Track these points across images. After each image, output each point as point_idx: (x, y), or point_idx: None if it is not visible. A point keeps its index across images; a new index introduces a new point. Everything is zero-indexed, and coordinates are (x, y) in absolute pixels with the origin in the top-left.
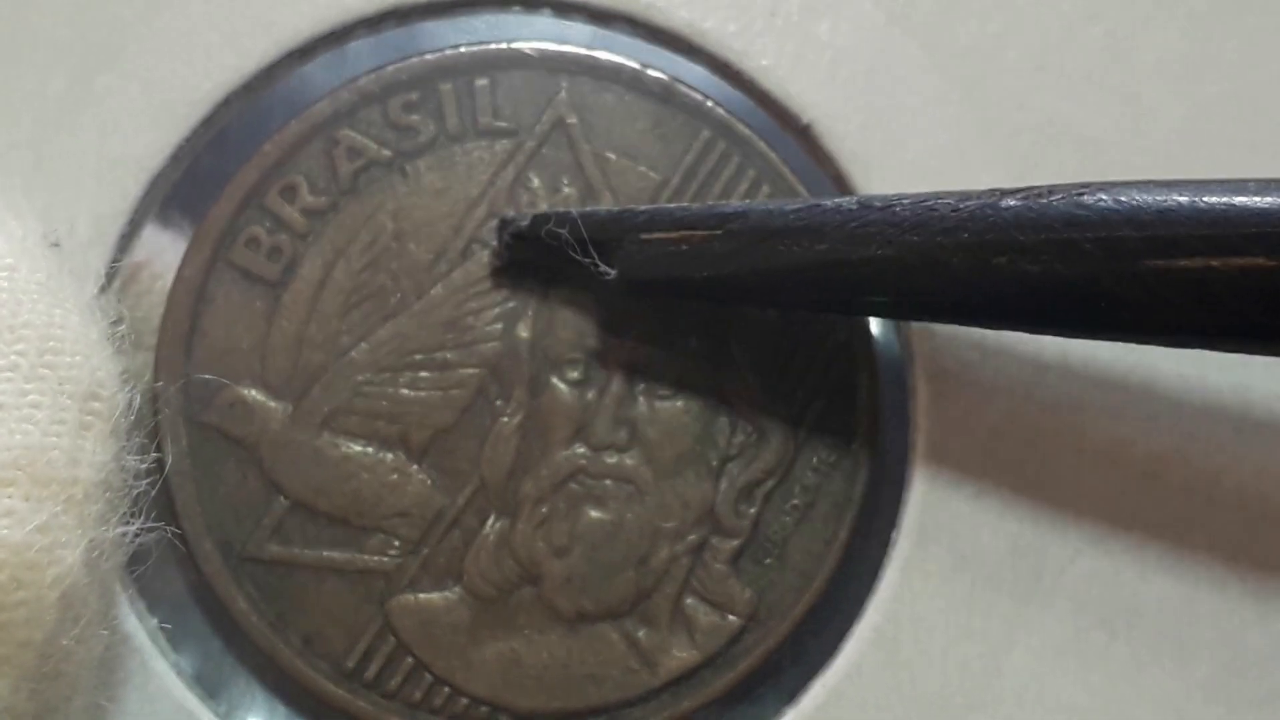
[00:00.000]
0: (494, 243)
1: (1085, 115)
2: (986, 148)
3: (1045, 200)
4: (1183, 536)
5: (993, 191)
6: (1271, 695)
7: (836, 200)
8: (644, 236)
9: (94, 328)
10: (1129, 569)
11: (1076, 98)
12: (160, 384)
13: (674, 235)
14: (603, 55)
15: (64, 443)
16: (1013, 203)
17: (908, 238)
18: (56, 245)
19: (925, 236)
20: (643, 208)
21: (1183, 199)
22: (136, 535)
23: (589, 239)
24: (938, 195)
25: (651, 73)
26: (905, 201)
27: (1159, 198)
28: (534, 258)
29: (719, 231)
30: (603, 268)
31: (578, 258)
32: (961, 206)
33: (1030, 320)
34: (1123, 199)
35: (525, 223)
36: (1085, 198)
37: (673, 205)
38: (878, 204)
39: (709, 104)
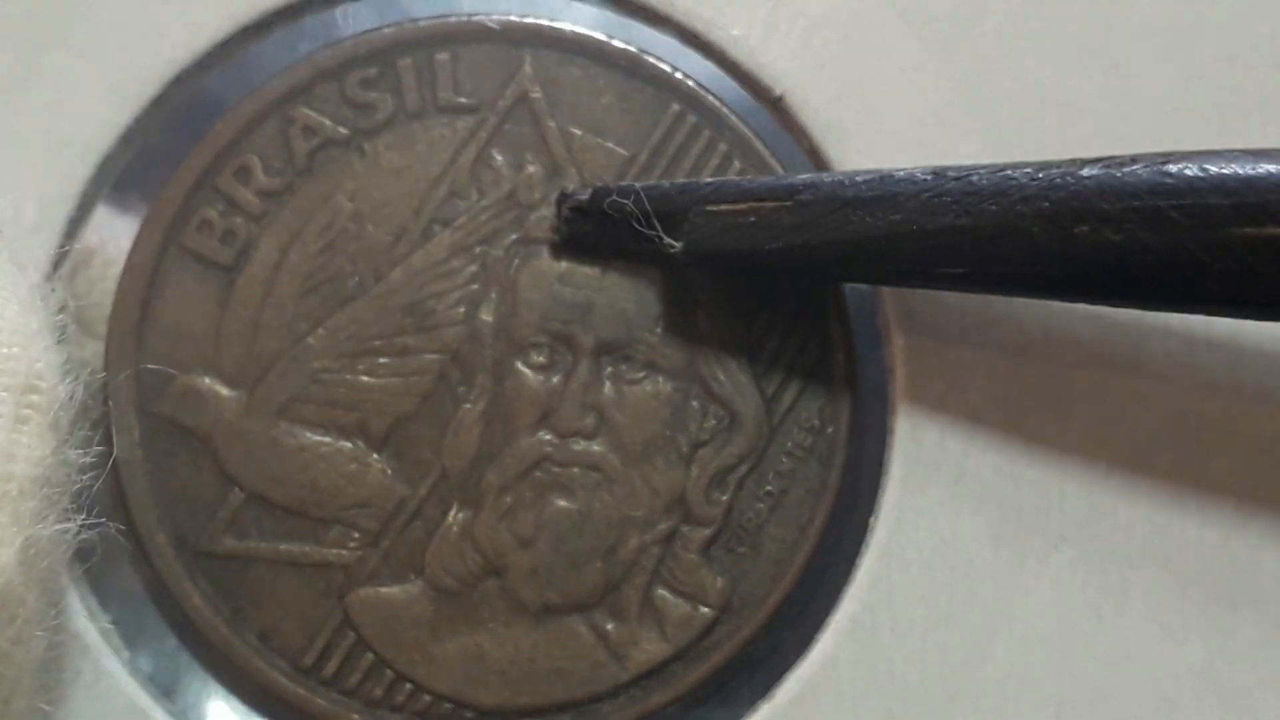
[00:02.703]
0: (552, 218)
1: (1068, 82)
2: (966, 117)
3: (1128, 169)
4: (1172, 520)
5: (1072, 161)
6: (1265, 682)
7: (909, 170)
8: (710, 208)
9: (34, 317)
10: (1116, 554)
11: (1058, 64)
12: (110, 374)
13: (742, 207)
14: (567, 27)
15: None
16: (1094, 171)
17: (985, 206)
18: None
19: (1004, 205)
20: (709, 180)
21: (1271, 167)
22: (80, 531)
23: (652, 211)
24: (1015, 165)
25: (618, 44)
26: (981, 171)
27: (1246, 165)
28: (594, 232)
29: (788, 203)
30: (667, 241)
31: (642, 230)
32: (1040, 175)
33: (1112, 291)
34: (1209, 166)
35: (585, 196)
36: (1170, 166)
37: (740, 177)
38: (952, 174)
39: (678, 76)
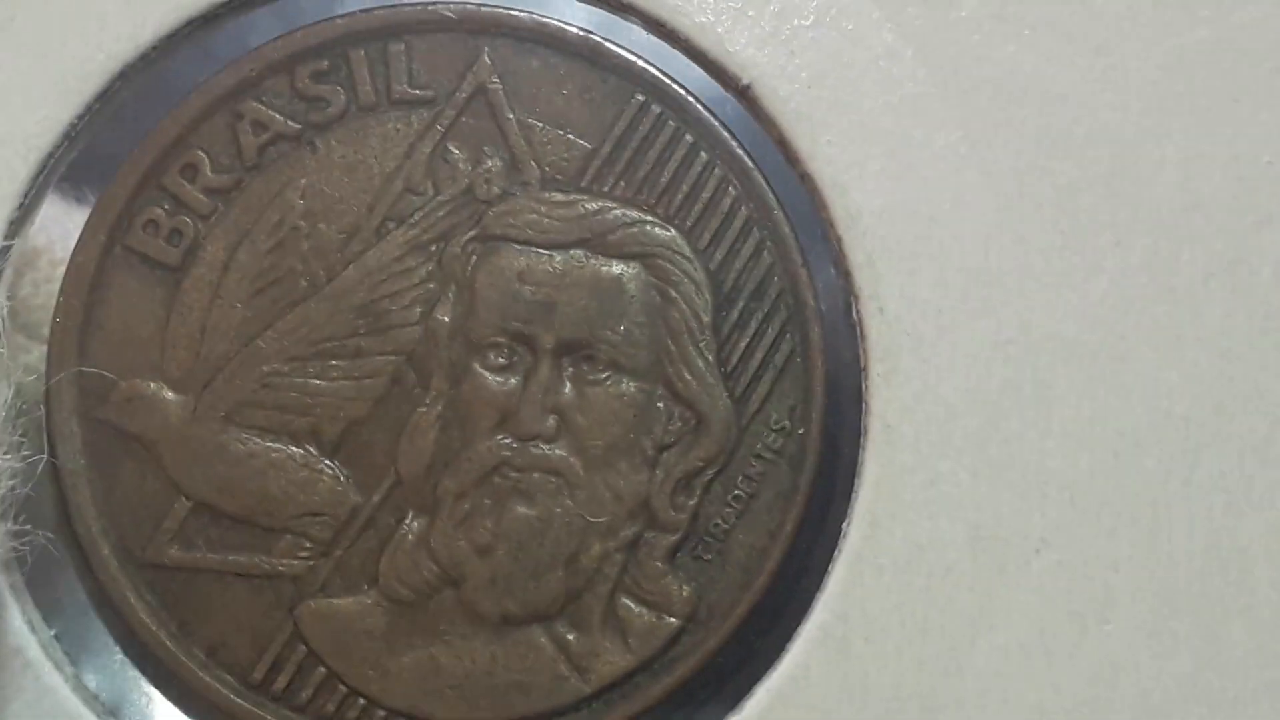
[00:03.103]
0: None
1: (1049, 68)
2: (942, 105)
3: None
4: (1157, 522)
5: None
6: (1257, 692)
7: None
8: None
9: None
10: (1100, 559)
11: (1041, 49)
12: (52, 378)
13: None
14: (526, 15)
15: None
16: None
17: None
18: None
19: None
20: None
21: None
22: (16, 537)
23: None
24: None
25: (578, 32)
26: None
27: None
28: None
29: None
30: None
31: None
32: None
33: None
34: None
35: None
36: None
37: None
38: None
39: (641, 64)
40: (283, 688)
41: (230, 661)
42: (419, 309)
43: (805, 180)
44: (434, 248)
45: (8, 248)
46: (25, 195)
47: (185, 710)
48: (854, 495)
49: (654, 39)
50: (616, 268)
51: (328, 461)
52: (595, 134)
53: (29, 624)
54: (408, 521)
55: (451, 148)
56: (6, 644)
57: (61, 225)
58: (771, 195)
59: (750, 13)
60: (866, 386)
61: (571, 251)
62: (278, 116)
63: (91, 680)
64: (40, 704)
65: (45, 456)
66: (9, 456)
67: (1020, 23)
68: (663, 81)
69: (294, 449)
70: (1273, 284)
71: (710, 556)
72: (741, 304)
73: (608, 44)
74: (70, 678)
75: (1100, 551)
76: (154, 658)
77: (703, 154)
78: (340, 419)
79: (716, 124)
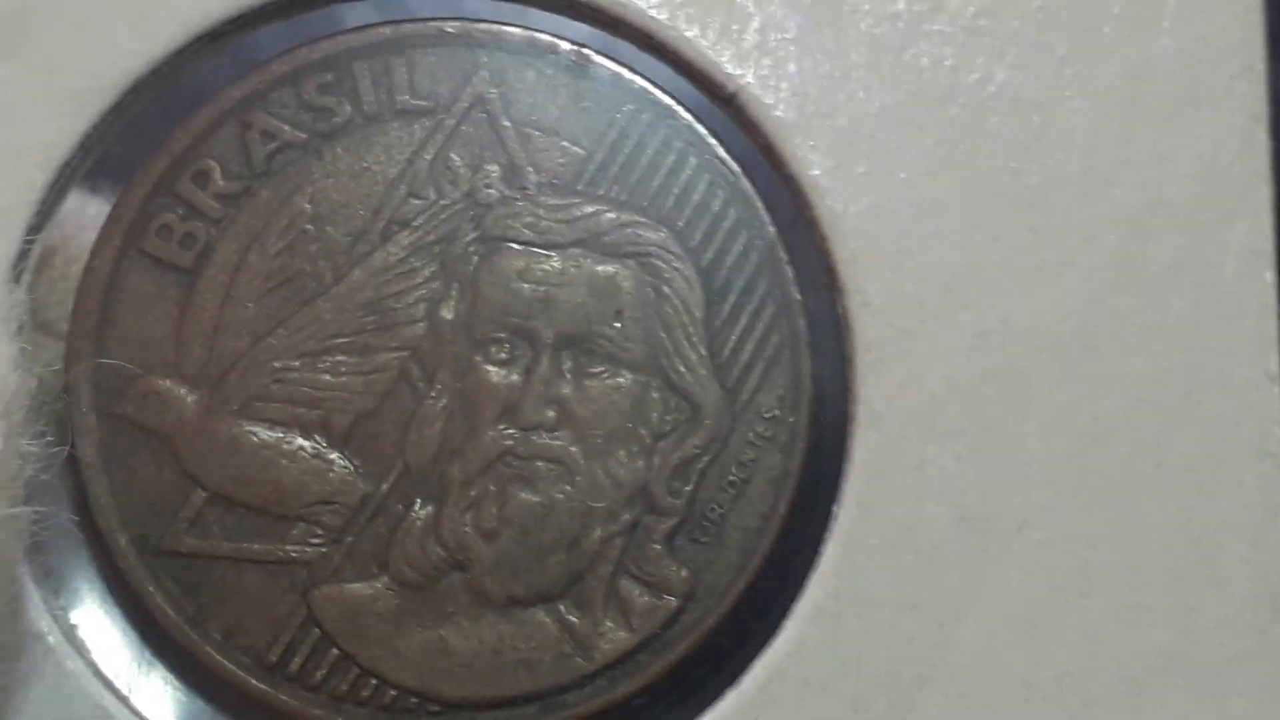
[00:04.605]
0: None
1: (1019, 78)
2: (919, 112)
3: None
4: (1133, 502)
5: None
6: (1231, 663)
7: None
8: None
9: None
10: (1079, 537)
11: (1010, 60)
12: (71, 376)
13: None
14: (522, 30)
15: None
16: None
17: None
18: None
19: None
20: None
21: None
22: (33, 519)
23: None
24: None
25: (570, 46)
26: None
27: None
28: None
29: None
30: None
31: None
32: None
33: None
34: None
35: None
36: None
37: None
38: None
39: (629, 75)
40: (297, 669)
41: (246, 644)
42: (423, 307)
43: (790, 183)
44: (437, 249)
45: (28, 250)
46: (44, 202)
47: (202, 692)
48: (843, 479)
49: (642, 52)
50: (612, 266)
51: (338, 452)
52: (589, 141)
53: (50, 611)
54: (416, 509)
55: (452, 155)
56: (28, 630)
57: (78, 229)
58: (758, 198)
59: (735, 26)
60: (853, 376)
61: (569, 251)
62: (285, 126)
63: (111, 664)
64: (62, 688)
65: (66, 448)
66: (34, 444)
67: (991, 35)
68: (652, 91)
69: (305, 441)
70: (1234, 277)
71: (707, 539)
72: (732, 299)
73: (598, 56)
74: (90, 663)
75: (1079, 530)
76: (172, 642)
77: (692, 159)
78: (349, 412)
79: (704, 131)
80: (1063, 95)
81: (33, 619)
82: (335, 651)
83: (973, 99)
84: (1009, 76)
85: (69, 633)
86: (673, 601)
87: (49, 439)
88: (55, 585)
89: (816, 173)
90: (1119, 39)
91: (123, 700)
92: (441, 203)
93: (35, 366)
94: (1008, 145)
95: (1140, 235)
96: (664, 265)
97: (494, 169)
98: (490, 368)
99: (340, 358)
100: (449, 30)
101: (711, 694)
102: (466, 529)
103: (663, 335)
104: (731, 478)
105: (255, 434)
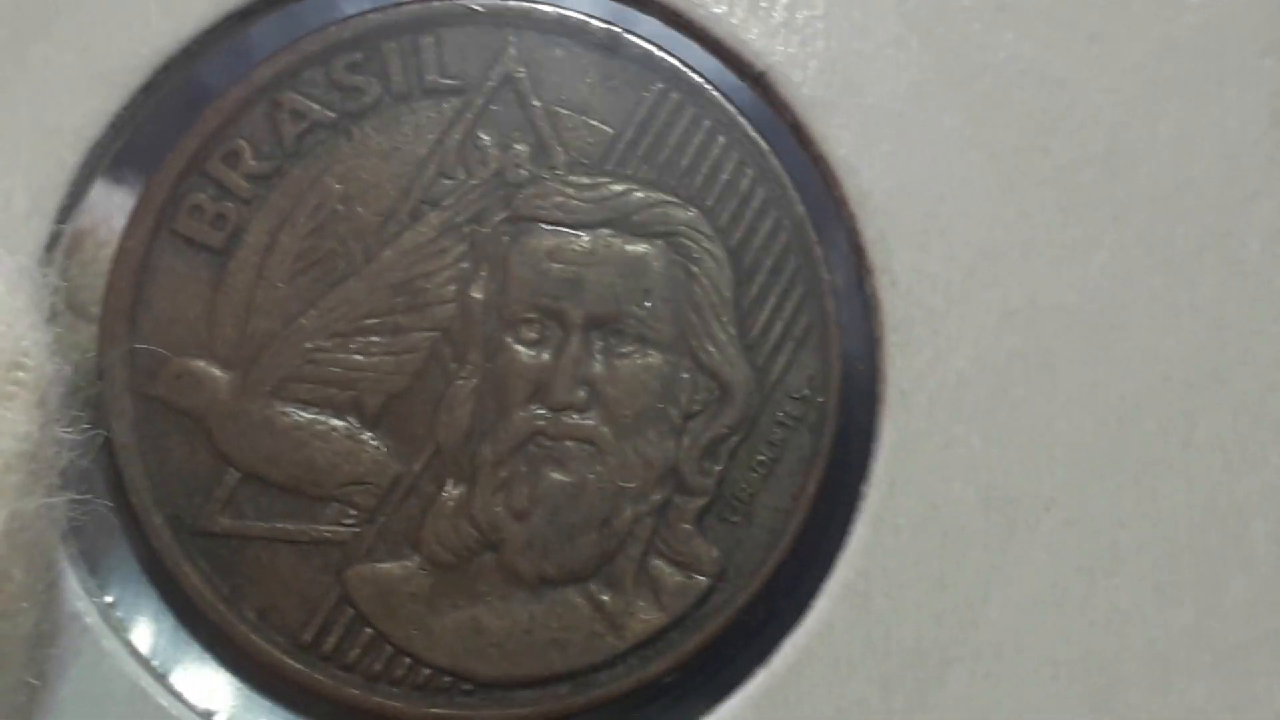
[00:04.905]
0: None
1: (1047, 54)
2: (947, 90)
3: None
4: (1160, 481)
5: None
6: (1258, 641)
7: None
8: None
9: (20, 296)
10: (1106, 517)
11: (1038, 37)
12: (104, 357)
13: None
14: (550, 8)
15: None
16: None
17: None
18: None
19: None
20: None
21: None
22: (69, 507)
23: None
24: None
25: (600, 24)
26: None
27: None
28: None
29: None
30: None
31: None
32: None
33: None
34: None
35: None
36: None
37: None
38: None
39: (659, 54)
40: (332, 648)
41: (280, 624)
42: (454, 287)
43: (818, 162)
44: (467, 229)
45: (60, 232)
46: (75, 183)
47: (237, 671)
48: (872, 459)
49: (672, 30)
50: (641, 246)
51: (370, 433)
52: (618, 120)
53: (86, 591)
54: (448, 489)
55: (481, 134)
56: (65, 610)
57: (109, 211)
58: (786, 176)
59: (763, 4)
60: (881, 356)
61: (598, 231)
62: (315, 106)
63: (146, 644)
64: (98, 667)
65: (101, 431)
66: (69, 429)
67: (1019, 12)
68: (681, 70)
69: (337, 421)
70: (1261, 255)
71: (736, 519)
72: (761, 279)
73: (627, 35)
74: (126, 642)
75: (1106, 509)
76: (207, 621)
77: (720, 138)
78: (381, 392)
79: (733, 109)
80: (1090, 73)
81: (69, 600)
82: (369, 631)
83: (1000, 77)
84: (1037, 54)
85: (105, 613)
86: (703, 581)
87: (84, 425)
88: (91, 566)
89: (844, 151)
90: (1147, 15)
91: (159, 679)
92: (471, 182)
93: (70, 352)
94: (1035, 123)
95: (1168, 214)
96: (693, 245)
97: (523, 148)
98: (520, 348)
99: (372, 338)
100: (478, 8)
101: (742, 672)
102: (498, 509)
103: (692, 315)
104: (761, 457)
105: (288, 414)
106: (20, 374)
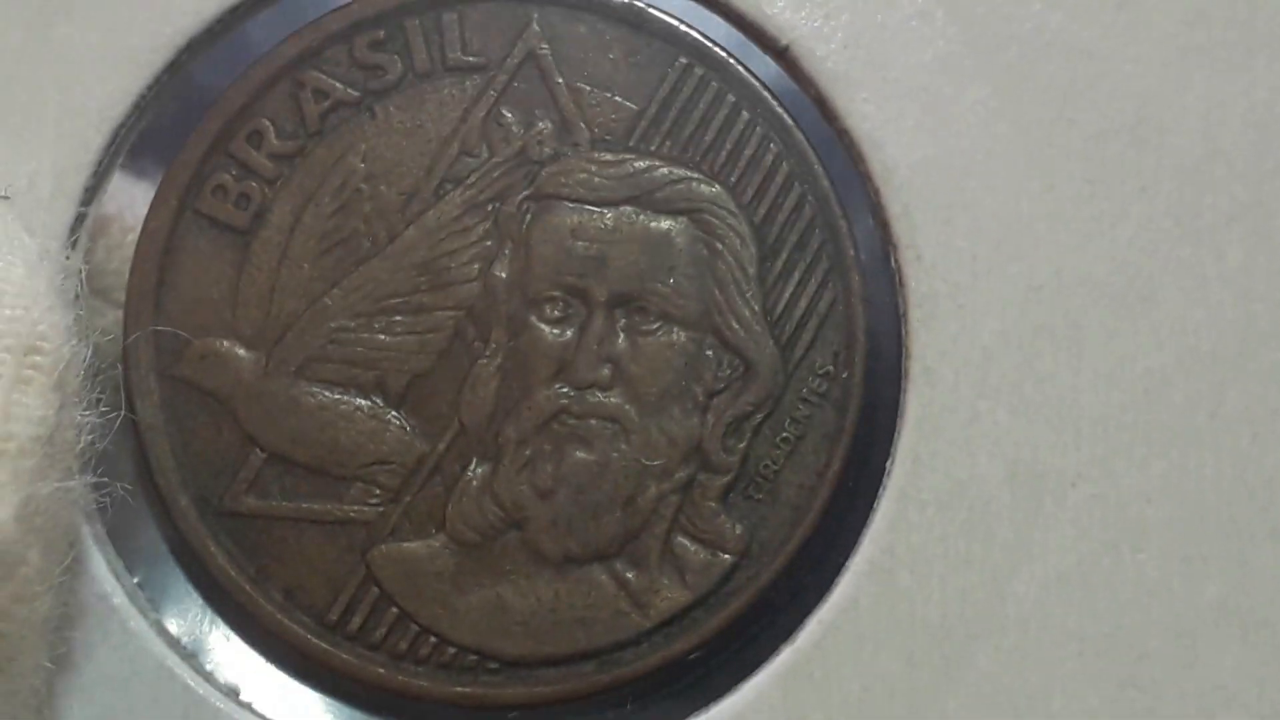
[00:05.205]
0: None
1: (1074, 25)
2: (972, 62)
3: None
4: (1187, 454)
5: None
6: None
7: None
8: None
9: (40, 280)
10: (1132, 491)
11: (1065, 7)
12: (130, 338)
13: None
14: None
15: None
16: None
17: None
18: (5, 198)
19: None
20: None
21: None
22: (96, 489)
23: None
24: None
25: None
26: None
27: None
28: None
29: None
30: None
31: None
32: None
33: None
34: None
35: None
36: None
37: None
38: None
39: (683, 29)
40: (357, 628)
41: (306, 604)
42: (477, 266)
43: (843, 136)
44: (490, 207)
45: (84, 215)
46: (98, 164)
47: (263, 651)
48: (897, 435)
49: (695, 4)
50: (665, 223)
51: (394, 412)
52: (641, 96)
53: (113, 572)
54: (472, 468)
55: (504, 111)
56: (93, 591)
57: (132, 192)
58: (811, 151)
59: None
60: (906, 331)
61: (622, 208)
62: (338, 85)
63: (174, 624)
64: (126, 648)
65: (124, 413)
66: (89, 413)
67: None
68: (705, 44)
69: (362, 401)
70: None
71: (761, 496)
72: (785, 255)
73: (651, 9)
74: (154, 622)
75: (1133, 483)
76: (233, 601)
77: (744, 113)
78: (405, 372)
79: (757, 84)
80: (1118, 43)
81: (97, 580)
82: (394, 610)
83: (1027, 47)
84: (1064, 24)
85: (132, 593)
86: (728, 558)
87: (105, 407)
88: (118, 547)
89: (869, 126)
90: None
91: (186, 659)
92: (494, 160)
93: (91, 334)
94: (1062, 95)
95: (1196, 185)
96: (717, 221)
97: (546, 125)
98: (544, 326)
99: (396, 317)
100: None
101: (767, 649)
102: (522, 487)
103: (716, 292)
104: (785, 434)
105: (313, 394)
106: (38, 358)
